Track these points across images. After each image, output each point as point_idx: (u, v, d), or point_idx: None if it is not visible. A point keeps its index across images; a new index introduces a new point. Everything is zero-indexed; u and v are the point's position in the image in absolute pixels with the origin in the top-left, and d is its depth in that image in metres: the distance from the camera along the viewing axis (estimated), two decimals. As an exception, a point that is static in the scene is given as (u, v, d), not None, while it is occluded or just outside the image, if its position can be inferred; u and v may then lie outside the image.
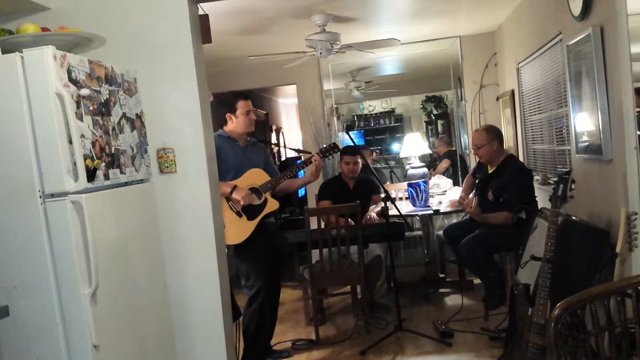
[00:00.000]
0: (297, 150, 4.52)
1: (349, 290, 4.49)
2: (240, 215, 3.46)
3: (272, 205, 3.57)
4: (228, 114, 3.60)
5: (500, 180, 3.94)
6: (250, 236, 3.46)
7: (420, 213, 4.67)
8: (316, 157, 3.67)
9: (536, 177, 4.33)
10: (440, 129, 7.72)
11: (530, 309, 2.66)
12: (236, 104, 3.57)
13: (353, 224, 4.03)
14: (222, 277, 2.96)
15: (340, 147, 4.45)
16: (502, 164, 4.01)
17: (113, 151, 2.38)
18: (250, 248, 3.47)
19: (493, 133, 4.05)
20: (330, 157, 3.94)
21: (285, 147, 8.47)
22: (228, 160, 3.51)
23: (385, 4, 4.44)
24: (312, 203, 5.57)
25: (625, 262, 2.52)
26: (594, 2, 2.96)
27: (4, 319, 2.08)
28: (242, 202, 3.43)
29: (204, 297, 2.91)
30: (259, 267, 3.52)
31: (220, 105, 3.73)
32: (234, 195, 3.43)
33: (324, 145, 3.93)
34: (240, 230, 3.44)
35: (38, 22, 2.44)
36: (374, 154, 7.79)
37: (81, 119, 2.17)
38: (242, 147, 3.65)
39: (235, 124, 3.60)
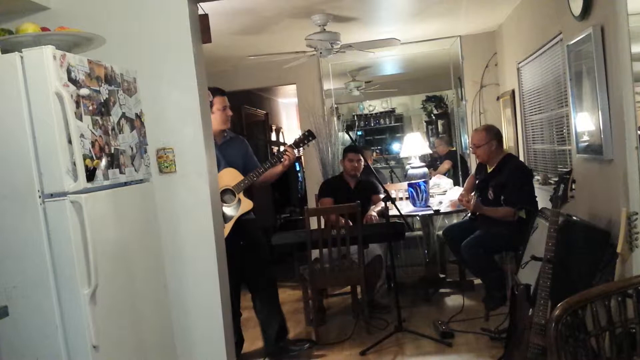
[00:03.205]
0: (283, 144, 4.41)
1: (349, 290, 4.49)
2: None
3: (246, 205, 3.55)
4: None
5: (500, 179, 3.95)
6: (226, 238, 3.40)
7: (420, 213, 4.67)
8: (289, 150, 3.60)
9: (536, 177, 4.33)
10: (440, 129, 7.70)
11: (530, 309, 2.65)
12: (212, 100, 3.49)
13: (351, 223, 4.03)
14: (222, 277, 2.95)
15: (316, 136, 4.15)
16: (501, 163, 4.02)
17: (112, 151, 2.38)
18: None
19: (492, 133, 4.05)
20: (306, 145, 3.79)
21: (284, 144, 8.46)
22: None
23: (385, 4, 4.44)
24: (312, 203, 5.56)
25: (625, 262, 2.51)
26: (594, 2, 2.96)
27: (4, 319, 2.08)
28: (229, 112, 3.47)
29: (203, 297, 2.91)
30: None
31: None
32: (225, 117, 3.48)
33: (300, 136, 3.77)
34: None
35: (38, 22, 2.44)
36: (374, 153, 7.78)
37: (81, 118, 2.17)
38: (219, 145, 3.58)
39: (212, 120, 3.47)
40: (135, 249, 2.53)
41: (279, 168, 3.68)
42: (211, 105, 3.49)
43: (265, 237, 4.03)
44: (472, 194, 4.26)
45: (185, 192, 2.88)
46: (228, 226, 3.46)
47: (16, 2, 2.73)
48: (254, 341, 3.94)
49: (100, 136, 2.28)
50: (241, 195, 3.54)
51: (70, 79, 2.14)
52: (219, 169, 3.49)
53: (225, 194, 3.50)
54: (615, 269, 2.53)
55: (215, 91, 3.56)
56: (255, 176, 3.58)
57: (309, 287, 4.15)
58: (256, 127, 7.89)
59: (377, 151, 8.19)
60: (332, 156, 5.99)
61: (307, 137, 3.74)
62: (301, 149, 3.82)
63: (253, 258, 3.62)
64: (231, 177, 3.53)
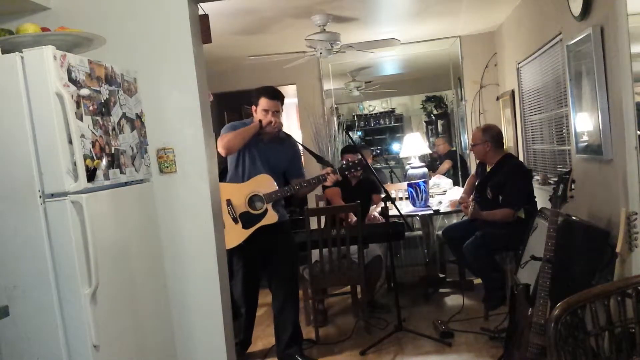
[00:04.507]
0: (318, 158, 3.81)
1: (349, 290, 4.49)
2: (236, 222, 3.41)
3: (271, 217, 3.43)
4: (253, 105, 3.49)
5: (498, 179, 3.96)
6: (241, 243, 3.40)
7: (420, 213, 4.67)
8: (332, 176, 3.48)
9: (536, 177, 4.33)
10: (440, 129, 7.70)
11: (530, 309, 2.66)
12: (259, 99, 3.44)
13: (355, 219, 4.03)
14: (222, 277, 2.96)
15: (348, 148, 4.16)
16: (500, 162, 4.03)
17: (113, 151, 2.38)
18: (237, 251, 3.42)
19: (489, 134, 4.05)
20: (350, 174, 3.67)
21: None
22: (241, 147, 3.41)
23: (385, 4, 4.44)
24: (311, 203, 5.56)
25: (625, 262, 2.51)
26: (594, 2, 2.96)
27: (4, 319, 2.08)
28: (269, 116, 3.35)
29: (204, 297, 2.91)
30: (239, 271, 3.53)
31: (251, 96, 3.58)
32: (264, 121, 3.36)
33: (350, 162, 3.61)
34: (231, 236, 3.35)
35: (38, 22, 2.44)
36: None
37: (81, 119, 2.17)
38: (265, 141, 3.49)
39: (255, 118, 3.47)
40: (135, 249, 2.53)
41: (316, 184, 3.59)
42: (257, 104, 3.45)
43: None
44: (472, 197, 4.27)
45: (186, 192, 2.88)
46: (246, 233, 3.40)
47: (16, 2, 2.74)
48: (254, 340, 3.94)
49: (100, 136, 2.29)
50: (269, 206, 3.41)
51: (70, 79, 2.15)
52: (254, 167, 3.43)
53: (255, 200, 3.42)
54: (614, 269, 2.53)
55: (266, 93, 3.45)
56: (289, 191, 3.46)
57: (309, 287, 4.15)
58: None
59: (377, 151, 8.19)
60: (332, 156, 6.00)
61: (355, 165, 3.58)
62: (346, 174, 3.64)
63: (279, 261, 3.56)
64: (264, 184, 3.42)
